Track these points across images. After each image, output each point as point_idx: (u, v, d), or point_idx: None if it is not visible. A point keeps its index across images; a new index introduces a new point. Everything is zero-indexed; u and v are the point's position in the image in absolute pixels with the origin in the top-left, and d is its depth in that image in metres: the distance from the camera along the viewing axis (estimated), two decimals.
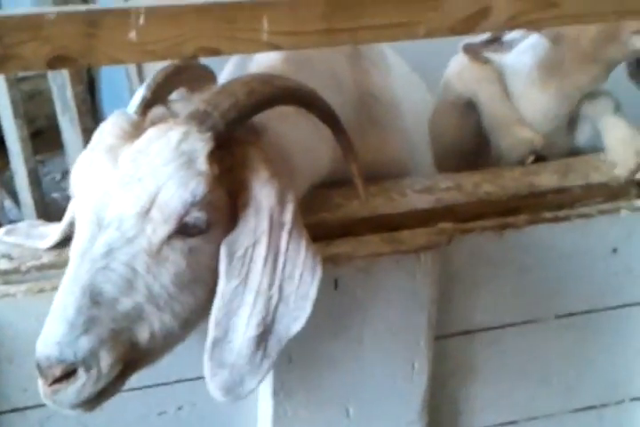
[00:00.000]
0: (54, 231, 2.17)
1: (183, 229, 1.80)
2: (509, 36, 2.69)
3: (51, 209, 5.02)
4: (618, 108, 2.76)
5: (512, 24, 2.20)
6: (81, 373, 1.72)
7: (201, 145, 1.80)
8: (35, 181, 4.77)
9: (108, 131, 1.89)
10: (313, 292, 1.83)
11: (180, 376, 2.15)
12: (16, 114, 4.60)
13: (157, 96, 1.99)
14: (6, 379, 2.07)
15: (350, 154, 2.12)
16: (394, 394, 2.33)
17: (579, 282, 2.48)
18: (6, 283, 2.08)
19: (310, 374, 2.23)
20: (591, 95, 2.80)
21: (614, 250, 2.47)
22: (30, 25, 1.87)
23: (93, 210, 1.80)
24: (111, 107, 4.66)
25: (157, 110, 1.96)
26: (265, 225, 1.84)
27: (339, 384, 2.27)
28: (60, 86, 4.07)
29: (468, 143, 2.95)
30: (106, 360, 1.74)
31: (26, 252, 2.17)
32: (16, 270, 2.10)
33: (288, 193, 1.87)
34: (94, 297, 1.75)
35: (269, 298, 1.83)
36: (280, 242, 1.85)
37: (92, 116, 4.13)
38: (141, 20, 1.91)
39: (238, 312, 1.83)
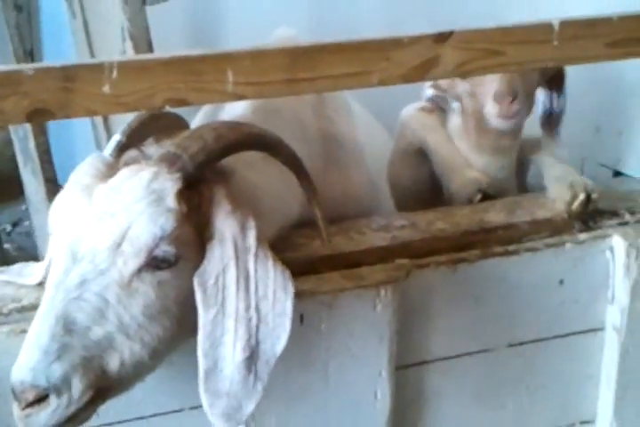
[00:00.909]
0: (39, 268, 2.24)
1: (153, 263, 1.88)
2: None
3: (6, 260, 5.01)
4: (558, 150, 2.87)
5: (460, 71, 2.30)
6: (52, 398, 1.78)
7: (170, 184, 1.89)
8: None
9: (84, 171, 1.98)
10: (289, 308, 1.91)
11: (156, 410, 2.19)
12: None
13: (132, 141, 2.08)
14: None
15: (313, 198, 2.22)
16: (358, 423, 2.38)
17: (529, 312, 2.56)
18: None
19: (280, 405, 2.28)
20: (533, 140, 2.92)
21: (561, 281, 2.57)
22: (10, 81, 1.93)
23: (69, 244, 1.88)
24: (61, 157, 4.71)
25: (131, 153, 2.04)
26: (230, 252, 1.92)
27: (306, 415, 2.33)
28: (22, 138, 4.10)
29: (423, 186, 3.03)
30: (77, 387, 1.80)
31: (7, 295, 2.23)
32: None
33: (248, 221, 1.95)
34: (67, 325, 1.81)
35: (249, 320, 1.90)
36: (248, 265, 1.93)
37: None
38: (114, 74, 1.99)
39: (222, 340, 1.89)
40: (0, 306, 2.18)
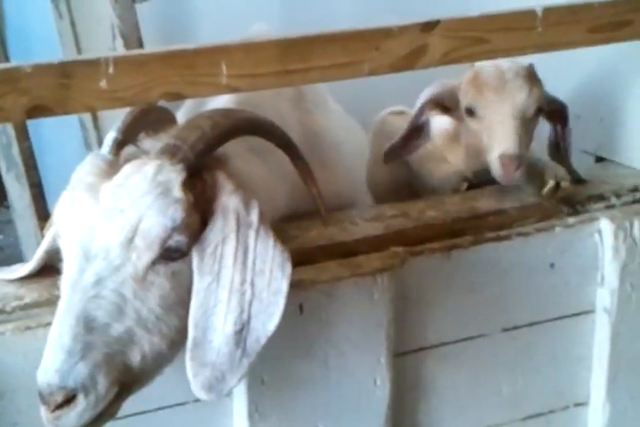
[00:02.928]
0: (30, 262, 2.23)
1: (166, 254, 1.88)
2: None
3: None
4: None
5: (447, 60, 2.33)
6: (81, 398, 1.77)
7: (174, 175, 1.89)
8: None
9: (86, 171, 1.96)
10: (284, 287, 1.90)
11: (160, 404, 2.19)
12: None
13: (127, 137, 2.07)
14: None
15: (309, 177, 2.26)
16: (359, 409, 2.39)
17: (521, 296, 2.57)
18: None
19: (282, 395, 2.28)
20: None
21: (552, 265, 2.58)
22: (8, 78, 1.93)
23: (79, 244, 1.88)
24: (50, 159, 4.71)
25: (129, 149, 2.04)
26: (232, 224, 1.93)
27: (308, 403, 2.33)
28: (5, 145, 4.09)
29: (401, 185, 3.07)
30: (103, 384, 1.79)
31: (9, 293, 2.21)
32: (1, 311, 2.14)
33: (252, 200, 1.96)
34: (88, 324, 1.81)
35: (242, 294, 1.89)
36: (248, 240, 1.93)
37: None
38: (111, 69, 2.00)
39: (214, 311, 1.89)
40: (3, 304, 2.16)
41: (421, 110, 2.85)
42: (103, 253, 1.86)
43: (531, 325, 2.61)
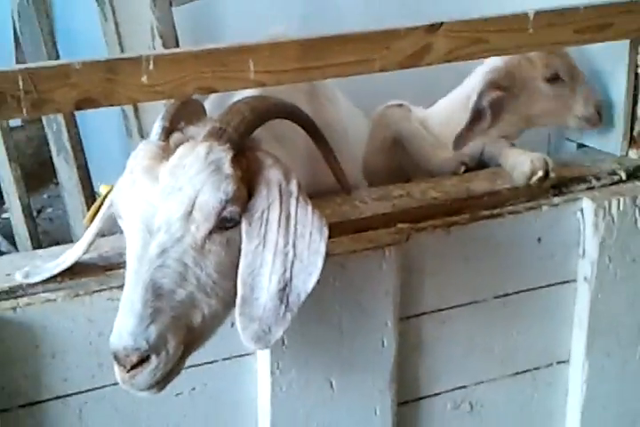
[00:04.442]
0: (86, 235, 2.18)
1: (221, 224, 1.87)
2: None
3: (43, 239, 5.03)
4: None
5: (450, 57, 2.31)
6: (153, 357, 1.76)
7: (223, 154, 1.88)
8: (29, 215, 4.75)
9: (142, 155, 1.94)
10: (322, 248, 1.88)
11: (192, 362, 2.14)
12: (10, 158, 4.61)
13: (172, 125, 2.03)
14: (49, 371, 2.09)
15: (330, 153, 2.25)
16: (367, 368, 2.37)
17: (512, 267, 2.55)
18: (46, 291, 2.10)
19: (300, 354, 2.27)
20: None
21: (539, 239, 2.55)
22: (60, 73, 1.92)
23: (142, 220, 1.86)
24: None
25: (176, 135, 2.00)
26: (276, 193, 1.91)
27: (323, 361, 2.31)
28: (56, 131, 4.09)
29: (395, 171, 3.01)
30: (172, 344, 1.78)
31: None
32: (53, 280, 2.12)
33: (291, 172, 1.95)
34: (156, 291, 1.79)
35: (285, 255, 1.88)
36: (290, 206, 1.91)
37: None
38: (151, 66, 1.98)
39: (261, 271, 1.87)
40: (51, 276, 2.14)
41: (481, 95, 2.79)
42: (165, 226, 1.84)
43: (519, 292, 2.58)
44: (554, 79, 2.81)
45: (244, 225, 1.90)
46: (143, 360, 1.76)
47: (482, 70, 2.86)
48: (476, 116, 2.80)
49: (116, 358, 1.77)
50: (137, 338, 1.75)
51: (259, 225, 1.90)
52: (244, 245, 1.89)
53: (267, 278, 1.88)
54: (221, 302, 1.89)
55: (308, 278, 1.88)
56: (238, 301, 1.87)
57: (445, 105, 3.05)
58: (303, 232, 1.90)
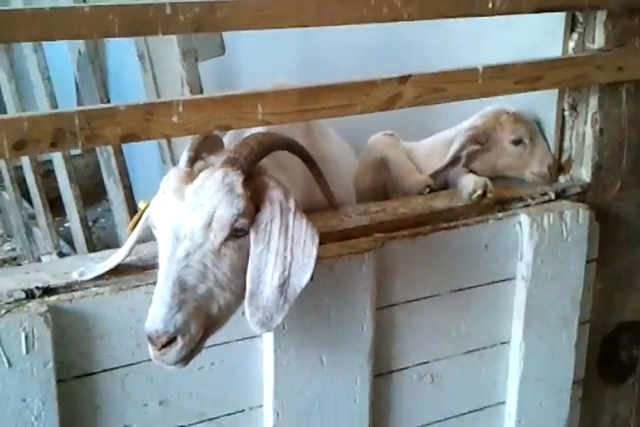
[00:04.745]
0: (120, 252, 2.16)
1: (234, 233, 1.86)
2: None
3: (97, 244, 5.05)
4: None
5: (416, 103, 2.29)
6: (179, 339, 1.76)
7: (236, 178, 1.89)
8: (85, 225, 4.76)
9: (172, 179, 1.94)
10: (314, 252, 1.88)
11: (211, 342, 2.11)
12: (71, 179, 4.61)
13: (196, 155, 2.03)
14: (98, 349, 2.07)
15: (321, 179, 2.27)
16: (350, 347, 2.35)
17: (465, 268, 2.53)
18: (96, 286, 2.08)
19: (297, 336, 2.25)
20: None
21: (486, 246, 2.54)
22: (108, 114, 1.90)
23: (171, 230, 1.86)
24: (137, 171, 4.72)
25: (199, 163, 2.01)
26: (277, 209, 1.91)
27: (315, 343, 2.29)
28: (106, 159, 4.09)
29: (380, 189, 2.98)
30: (194, 328, 1.78)
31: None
32: (102, 277, 2.11)
33: (289, 192, 1.95)
34: (182, 286, 1.79)
35: (285, 258, 1.88)
36: (288, 220, 1.91)
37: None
38: (180, 108, 1.97)
39: (265, 270, 1.87)
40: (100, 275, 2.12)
41: (463, 145, 2.80)
42: (190, 235, 1.84)
43: (470, 288, 2.57)
44: (517, 142, 2.80)
45: (252, 234, 1.89)
46: (171, 341, 1.75)
47: (465, 125, 2.87)
48: (454, 160, 2.81)
49: (150, 339, 1.76)
50: (166, 323, 1.75)
51: (263, 234, 1.90)
52: (251, 250, 1.88)
53: (269, 276, 1.87)
54: (234, 295, 1.88)
55: (302, 276, 1.88)
56: (247, 294, 1.87)
57: (430, 142, 3.03)
58: (299, 240, 1.90)
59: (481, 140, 2.81)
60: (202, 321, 1.81)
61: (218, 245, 1.85)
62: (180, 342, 1.76)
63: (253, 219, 1.90)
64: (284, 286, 1.87)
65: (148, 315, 1.78)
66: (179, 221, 1.86)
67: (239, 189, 1.88)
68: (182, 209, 1.87)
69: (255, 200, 1.92)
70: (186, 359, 1.81)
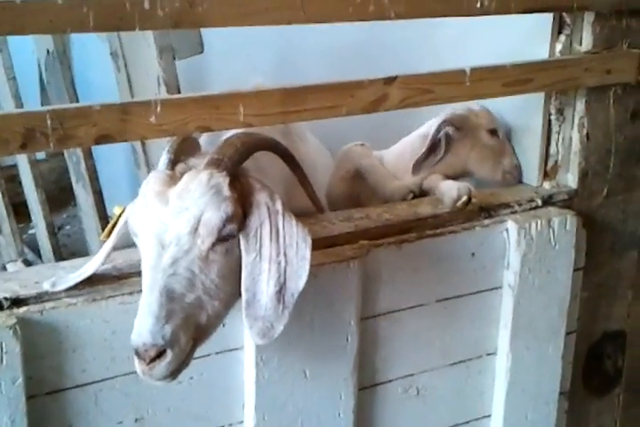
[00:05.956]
0: (103, 249, 2.07)
1: (222, 238, 1.79)
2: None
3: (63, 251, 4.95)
4: None
5: (403, 105, 2.23)
6: (169, 351, 1.68)
7: (222, 180, 1.81)
8: (51, 231, 4.66)
9: (153, 182, 1.86)
10: (307, 253, 1.83)
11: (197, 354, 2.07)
12: (37, 184, 4.51)
13: (176, 157, 1.96)
14: (71, 364, 1.98)
15: (305, 180, 2.20)
16: (335, 359, 2.28)
17: (451, 277, 2.47)
18: (69, 296, 2.00)
19: (280, 348, 2.17)
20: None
21: (473, 254, 2.48)
22: (82, 114, 1.82)
23: (155, 236, 1.78)
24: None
25: (181, 166, 1.94)
26: (265, 213, 1.85)
27: (298, 354, 2.22)
28: (75, 162, 4.01)
29: (354, 200, 2.91)
30: (183, 340, 1.70)
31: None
32: (74, 287, 2.01)
33: (275, 194, 1.89)
34: (169, 295, 1.71)
35: (278, 264, 1.81)
36: (278, 223, 1.85)
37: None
38: (158, 109, 1.89)
39: (260, 278, 1.81)
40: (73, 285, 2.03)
41: (439, 127, 2.74)
42: (175, 240, 1.76)
43: (457, 297, 2.50)
44: (493, 132, 2.77)
45: (242, 242, 1.82)
46: (160, 354, 1.67)
47: (431, 122, 2.82)
48: (432, 147, 2.74)
49: (137, 353, 1.68)
50: (155, 336, 1.66)
51: (254, 241, 1.83)
52: (243, 259, 1.82)
53: (265, 284, 1.81)
54: (222, 303, 1.81)
55: (298, 280, 1.83)
56: (243, 304, 1.80)
57: (398, 148, 2.97)
58: (291, 242, 1.84)
59: (457, 123, 2.76)
60: (191, 332, 1.73)
61: (205, 251, 1.78)
62: (169, 354, 1.68)
63: (241, 222, 1.84)
64: (280, 292, 1.81)
65: (134, 327, 1.69)
66: (163, 226, 1.78)
67: (226, 192, 1.81)
68: (166, 214, 1.79)
69: (242, 203, 1.85)
70: (175, 373, 1.73)
